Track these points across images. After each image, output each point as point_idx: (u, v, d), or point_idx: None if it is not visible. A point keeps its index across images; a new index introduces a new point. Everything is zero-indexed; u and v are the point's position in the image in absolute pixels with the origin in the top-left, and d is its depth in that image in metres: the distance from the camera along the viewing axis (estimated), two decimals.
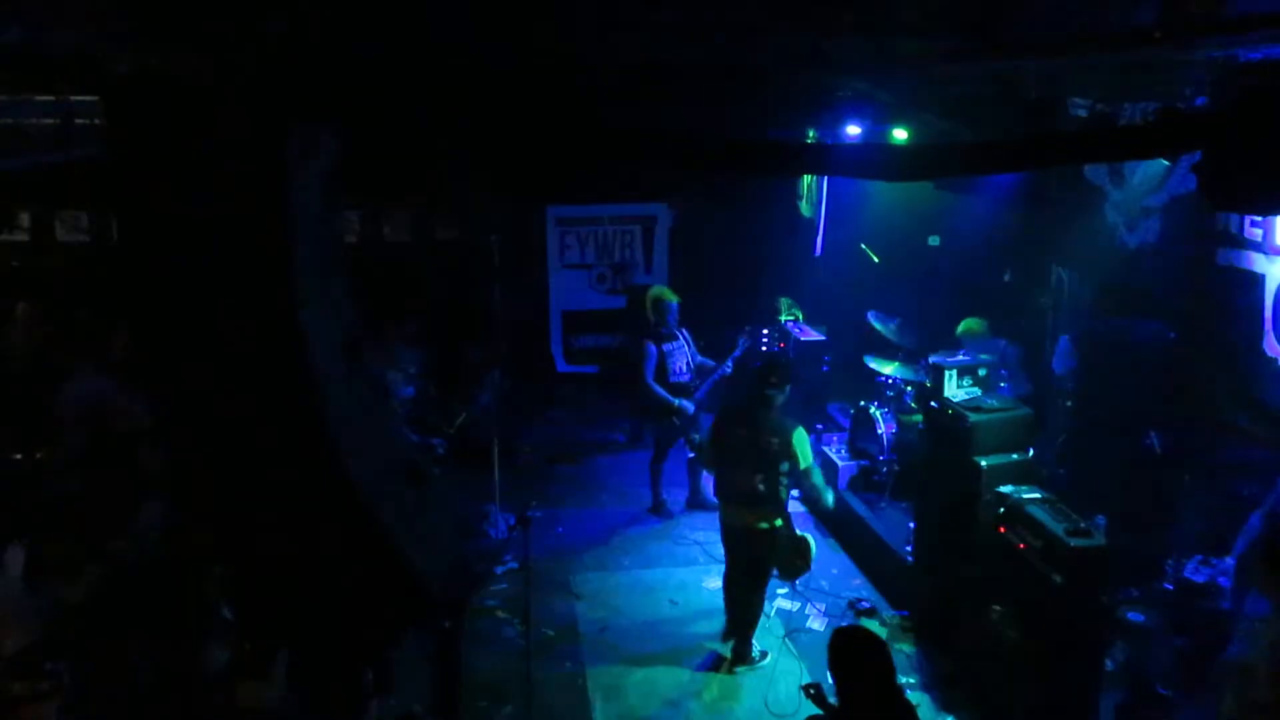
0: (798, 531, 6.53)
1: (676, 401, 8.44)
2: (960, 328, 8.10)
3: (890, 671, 3.74)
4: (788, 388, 6.43)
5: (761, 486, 6.25)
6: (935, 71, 6.12)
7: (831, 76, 6.77)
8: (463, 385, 9.15)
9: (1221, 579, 5.50)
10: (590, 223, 12.45)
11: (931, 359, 7.41)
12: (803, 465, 6.31)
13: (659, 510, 8.88)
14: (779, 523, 6.35)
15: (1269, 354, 6.05)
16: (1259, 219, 6.04)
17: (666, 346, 8.51)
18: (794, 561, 6.48)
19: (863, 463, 8.64)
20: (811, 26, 4.42)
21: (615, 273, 11.56)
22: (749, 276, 11.61)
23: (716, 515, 6.80)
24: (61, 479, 5.78)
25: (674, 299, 8.64)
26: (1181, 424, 6.63)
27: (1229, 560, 5.52)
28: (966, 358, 7.21)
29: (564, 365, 12.12)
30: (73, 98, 6.14)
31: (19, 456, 6.08)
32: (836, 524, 8.19)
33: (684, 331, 8.72)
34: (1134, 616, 5.92)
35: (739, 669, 6.49)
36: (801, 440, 6.31)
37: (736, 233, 11.89)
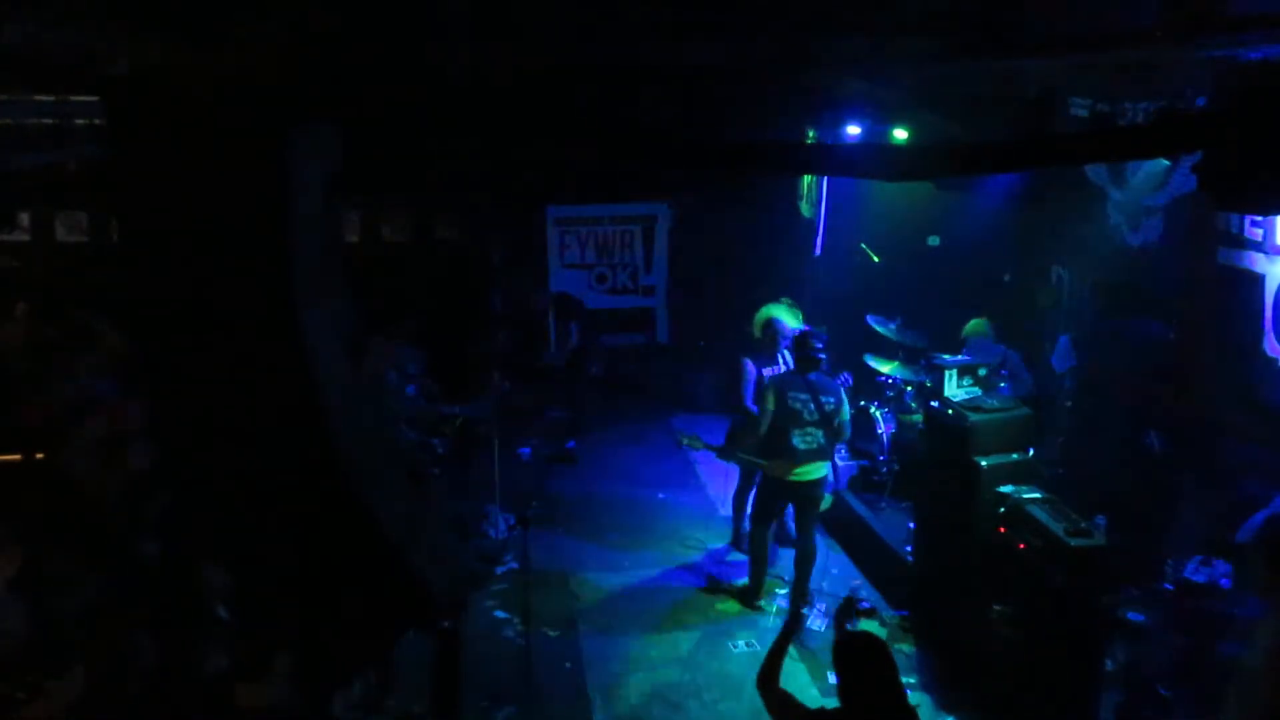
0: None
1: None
2: (966, 328, 8.12)
3: (894, 677, 3.74)
4: (824, 354, 7.12)
5: (825, 440, 6.95)
6: (935, 71, 6.11)
7: (831, 76, 6.76)
8: (463, 385, 9.14)
9: (1223, 580, 5.49)
10: (590, 223, 12.46)
11: (932, 359, 7.42)
12: (848, 415, 7.12)
13: (739, 544, 8.09)
14: (825, 471, 7.09)
15: (1269, 354, 6.05)
16: (1259, 219, 6.04)
17: (766, 370, 7.72)
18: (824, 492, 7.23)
19: (863, 463, 8.63)
20: (812, 26, 4.42)
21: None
22: (749, 276, 11.60)
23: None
24: (61, 479, 5.77)
25: (791, 323, 7.88)
26: (1181, 424, 6.63)
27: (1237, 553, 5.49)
28: (967, 357, 7.22)
29: (560, 362, 12.13)
30: (73, 98, 6.13)
31: (18, 457, 6.07)
32: (836, 524, 8.19)
33: (788, 355, 7.91)
34: (1134, 616, 5.91)
35: (805, 608, 7.07)
36: (846, 397, 7.17)
37: (736, 233, 11.90)
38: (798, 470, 6.92)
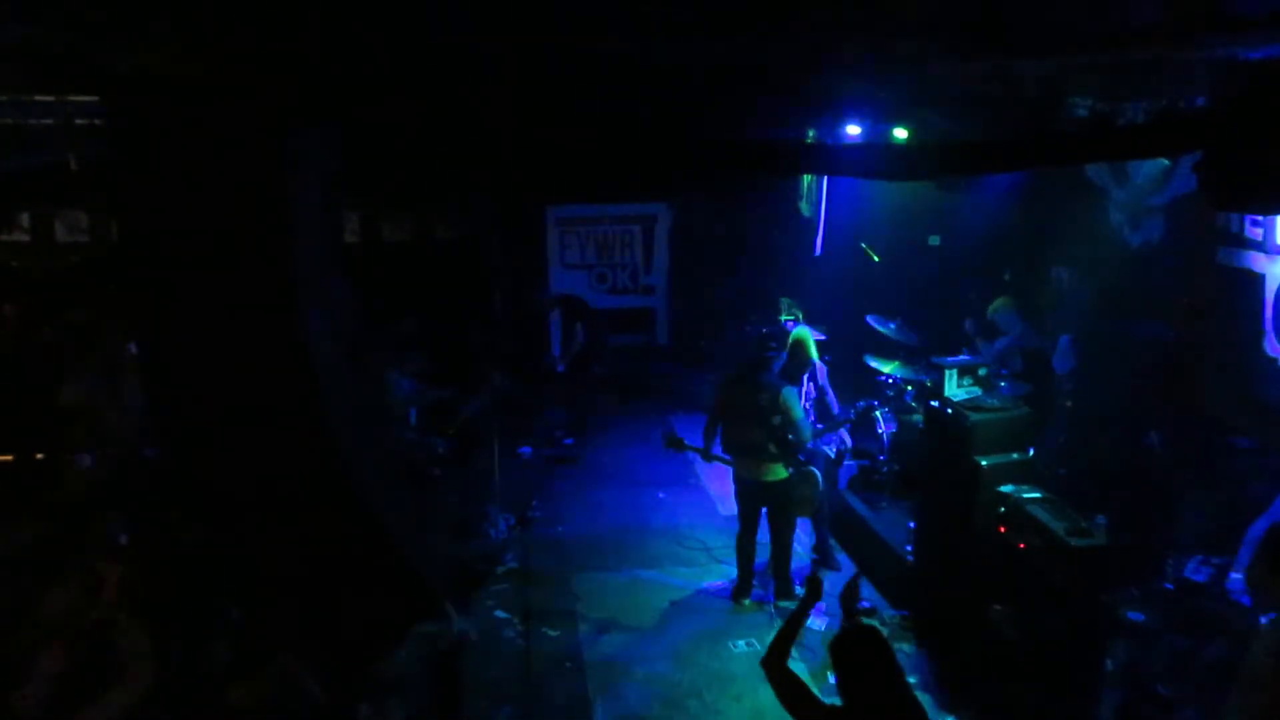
0: (805, 469, 7.26)
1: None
2: (993, 306, 8.27)
3: (893, 671, 3.71)
4: (784, 353, 7.33)
5: (757, 438, 6.99)
6: (935, 71, 6.11)
7: (831, 76, 6.76)
8: (463, 385, 9.15)
9: (1236, 588, 5.48)
10: (590, 223, 12.46)
11: (932, 358, 7.43)
12: (794, 417, 6.96)
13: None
14: (784, 474, 7.07)
15: (1269, 354, 6.05)
16: (1260, 219, 6.04)
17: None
18: (804, 494, 7.27)
19: (863, 462, 8.63)
20: (812, 27, 4.41)
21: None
22: (749, 277, 11.60)
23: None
24: (62, 479, 5.78)
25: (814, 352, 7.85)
26: (1181, 424, 6.63)
27: (1233, 576, 5.49)
28: (966, 357, 7.22)
29: (564, 365, 12.13)
30: (73, 98, 6.13)
31: (11, 458, 6.09)
32: (837, 524, 8.18)
33: (821, 365, 7.99)
34: (1134, 616, 5.91)
35: (782, 603, 7.21)
36: (789, 396, 7.04)
37: (737, 233, 11.90)
38: (749, 468, 7.12)
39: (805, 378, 7.89)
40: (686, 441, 7.69)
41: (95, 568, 4.55)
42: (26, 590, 4.43)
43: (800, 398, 7.69)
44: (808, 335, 8.03)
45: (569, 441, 10.35)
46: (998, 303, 8.32)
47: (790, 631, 4.08)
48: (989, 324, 8.26)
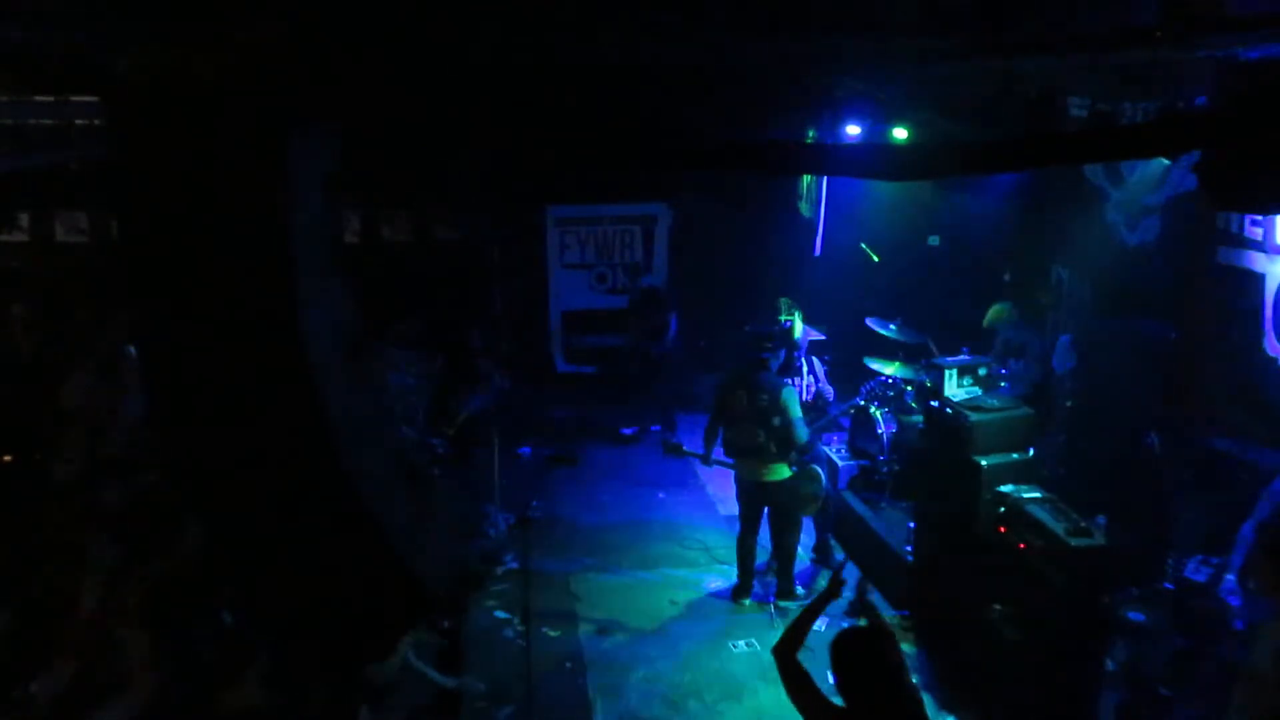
0: (808, 468, 7.30)
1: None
2: (989, 316, 8.20)
3: (890, 671, 3.70)
4: (781, 351, 7.32)
5: (760, 439, 6.97)
6: (935, 71, 6.11)
7: (831, 76, 6.77)
8: (463, 385, 9.15)
9: (1227, 589, 5.48)
10: (590, 223, 12.45)
11: (932, 358, 7.44)
12: (793, 416, 6.94)
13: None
14: (787, 473, 7.06)
15: (1269, 354, 6.05)
16: (1259, 218, 6.04)
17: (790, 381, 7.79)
18: (809, 492, 7.31)
19: (863, 463, 8.63)
20: (812, 26, 4.42)
21: (626, 274, 11.69)
22: (749, 276, 11.60)
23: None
24: (61, 480, 5.77)
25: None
26: (1181, 424, 6.63)
27: (1230, 577, 5.50)
28: (966, 357, 7.22)
29: (564, 365, 12.12)
30: (73, 98, 6.13)
31: (9, 458, 6.08)
32: (837, 524, 8.18)
33: (812, 360, 8.39)
34: (1134, 616, 5.91)
35: (783, 603, 7.23)
36: (789, 396, 7.06)
37: (736, 233, 11.89)
38: (750, 469, 7.12)
39: (806, 370, 7.93)
40: (685, 446, 7.76)
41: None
42: (33, 594, 4.43)
43: (799, 393, 7.76)
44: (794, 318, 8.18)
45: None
46: (995, 310, 8.21)
47: (804, 622, 4.10)
48: (989, 331, 8.20)
